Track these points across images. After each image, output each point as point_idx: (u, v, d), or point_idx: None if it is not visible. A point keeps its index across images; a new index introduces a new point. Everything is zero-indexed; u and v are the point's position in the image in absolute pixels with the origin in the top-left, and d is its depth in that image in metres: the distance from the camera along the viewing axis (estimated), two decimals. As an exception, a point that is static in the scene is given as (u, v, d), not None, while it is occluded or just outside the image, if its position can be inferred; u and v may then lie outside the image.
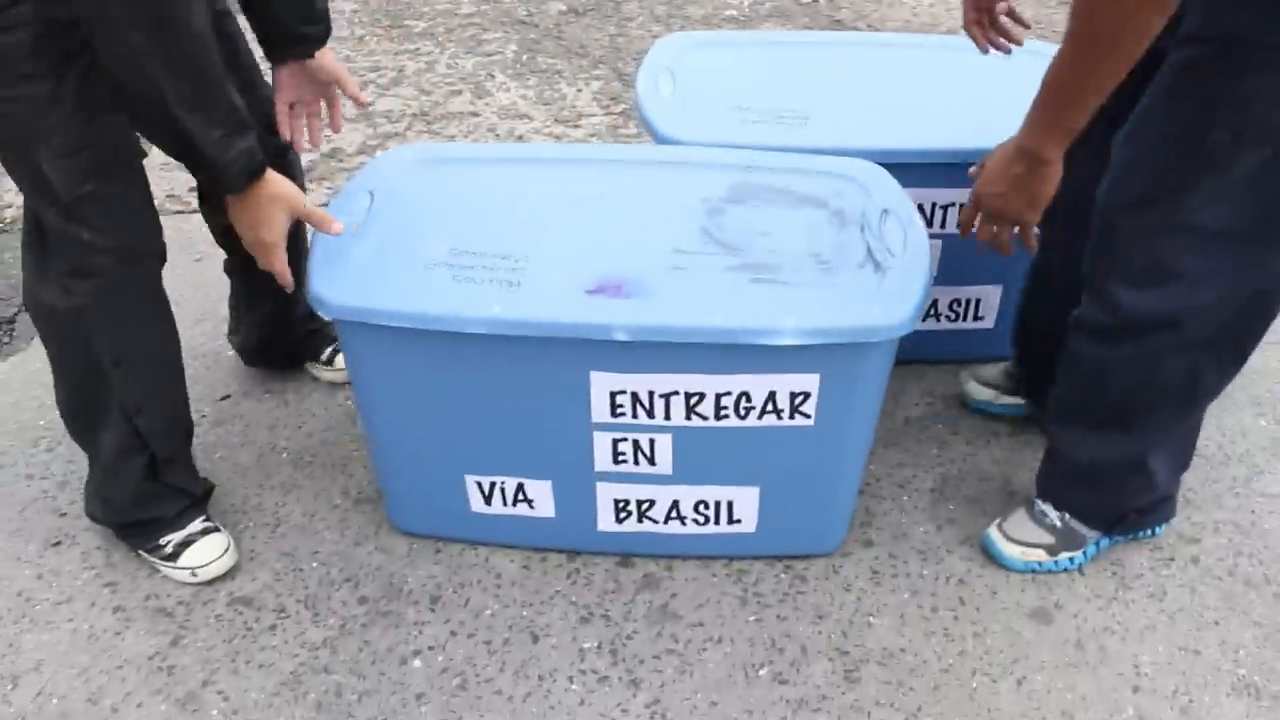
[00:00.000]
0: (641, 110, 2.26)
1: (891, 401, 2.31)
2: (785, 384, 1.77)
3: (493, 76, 3.66)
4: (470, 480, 1.97)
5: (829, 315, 1.69)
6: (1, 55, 1.56)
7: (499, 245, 1.84)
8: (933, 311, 2.37)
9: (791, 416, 1.80)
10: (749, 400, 1.79)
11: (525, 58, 3.78)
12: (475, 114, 3.44)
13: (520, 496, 1.98)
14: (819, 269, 1.76)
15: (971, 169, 1.74)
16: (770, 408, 1.79)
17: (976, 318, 2.39)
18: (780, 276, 1.75)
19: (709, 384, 1.77)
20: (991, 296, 2.35)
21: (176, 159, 1.70)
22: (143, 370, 1.89)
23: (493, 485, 1.97)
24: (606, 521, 2.00)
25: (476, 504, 2.00)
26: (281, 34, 1.93)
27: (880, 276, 1.74)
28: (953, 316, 2.39)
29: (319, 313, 1.79)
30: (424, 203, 1.94)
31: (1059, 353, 1.88)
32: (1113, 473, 1.88)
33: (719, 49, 2.51)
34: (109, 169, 1.70)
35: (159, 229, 1.78)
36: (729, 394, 1.78)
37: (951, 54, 2.36)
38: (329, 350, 2.46)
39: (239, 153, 1.62)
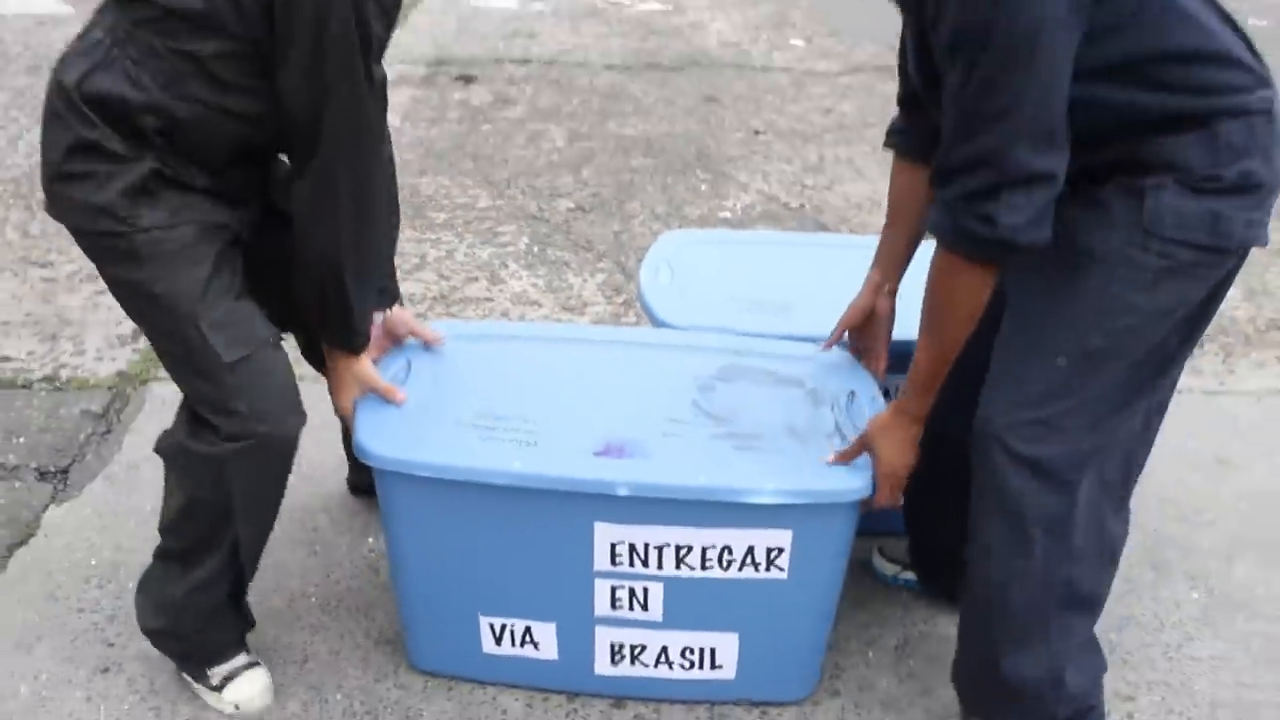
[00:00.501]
0: (642, 296, 2.49)
1: (861, 567, 2.50)
2: (762, 539, 1.94)
3: (506, 265, 3.91)
4: (484, 621, 2.12)
5: (801, 478, 1.90)
6: (166, 251, 1.82)
7: (519, 410, 2.07)
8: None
9: (768, 569, 1.97)
10: (730, 553, 1.96)
11: (536, 249, 4.03)
12: (490, 299, 3.68)
13: (527, 638, 2.12)
14: (794, 439, 2.00)
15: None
16: (749, 560, 1.96)
17: None
18: (760, 444, 1.98)
19: (696, 537, 1.94)
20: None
21: (317, 322, 1.98)
22: (262, 512, 2.07)
23: (504, 627, 2.12)
24: (603, 664, 2.14)
25: (488, 645, 2.14)
26: None
27: (843, 444, 1.96)
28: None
29: (368, 463, 1.97)
30: (454, 371, 2.18)
31: (945, 530, 2.11)
32: (1035, 691, 1.94)
33: (714, 246, 2.78)
34: (260, 344, 1.92)
35: (300, 399, 1.98)
36: (713, 547, 1.95)
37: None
38: None
39: (369, 325, 1.92)
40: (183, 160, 1.84)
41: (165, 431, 2.07)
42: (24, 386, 3.18)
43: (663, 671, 2.14)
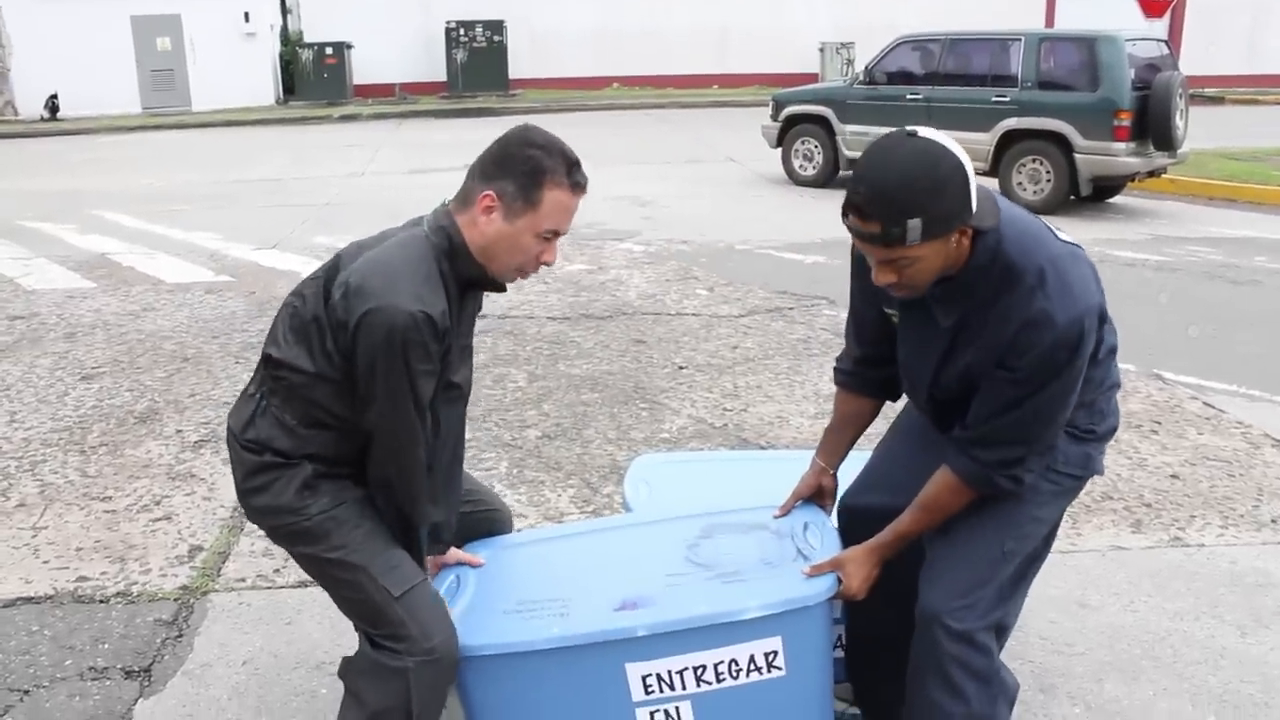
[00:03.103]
0: (628, 509, 2.79)
1: None
2: (759, 647, 2.14)
3: (492, 486, 4.07)
4: None
5: (777, 593, 2.16)
6: (332, 527, 2.16)
7: (550, 593, 2.31)
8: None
9: (769, 670, 2.15)
10: (737, 664, 2.15)
11: (515, 471, 4.24)
12: None
13: None
14: (768, 568, 2.26)
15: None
16: (753, 666, 2.15)
17: None
18: (742, 577, 2.24)
19: (707, 657, 2.14)
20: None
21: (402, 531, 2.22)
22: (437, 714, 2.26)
23: None
24: None
25: None
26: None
27: (812, 557, 2.24)
28: None
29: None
30: (493, 576, 2.43)
31: (883, 655, 2.39)
32: None
33: (679, 464, 3.14)
34: (417, 579, 2.19)
35: (451, 620, 2.21)
36: (722, 661, 2.14)
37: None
38: None
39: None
40: (329, 461, 2.17)
41: (347, 659, 2.27)
42: (102, 601, 3.31)
43: None
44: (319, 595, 3.27)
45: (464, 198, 2.13)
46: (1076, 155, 9.69)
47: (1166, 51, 10.52)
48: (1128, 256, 8.14)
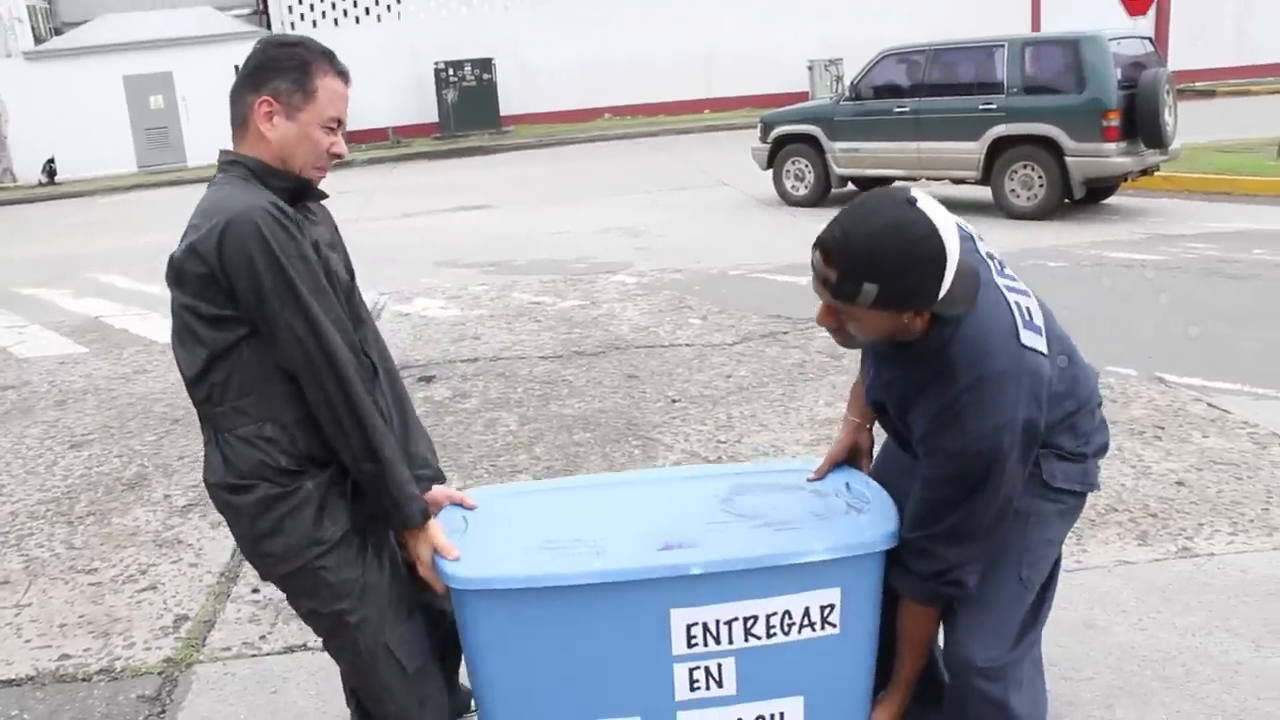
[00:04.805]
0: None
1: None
2: (816, 599, 2.01)
3: None
4: None
5: (843, 537, 2.02)
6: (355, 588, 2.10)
7: (577, 535, 2.10)
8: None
9: (822, 627, 2.03)
10: (790, 617, 2.01)
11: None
12: None
13: None
14: (819, 520, 2.11)
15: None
16: (806, 621, 2.02)
17: None
18: (794, 526, 2.08)
19: (760, 607, 1.99)
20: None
21: (384, 511, 2.08)
22: None
23: None
24: None
25: None
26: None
27: (863, 515, 2.10)
28: None
29: (452, 586, 2.01)
30: (509, 518, 2.22)
31: None
32: None
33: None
34: (428, 652, 2.18)
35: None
36: (775, 614, 2.00)
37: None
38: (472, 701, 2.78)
39: (415, 505, 2.06)
40: (307, 438, 2.03)
41: None
42: (84, 680, 3.22)
43: None
44: (305, 661, 3.22)
45: (240, 123, 2.09)
46: (1067, 158, 9.62)
47: (1151, 49, 10.46)
48: (1124, 257, 8.05)
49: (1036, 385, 1.93)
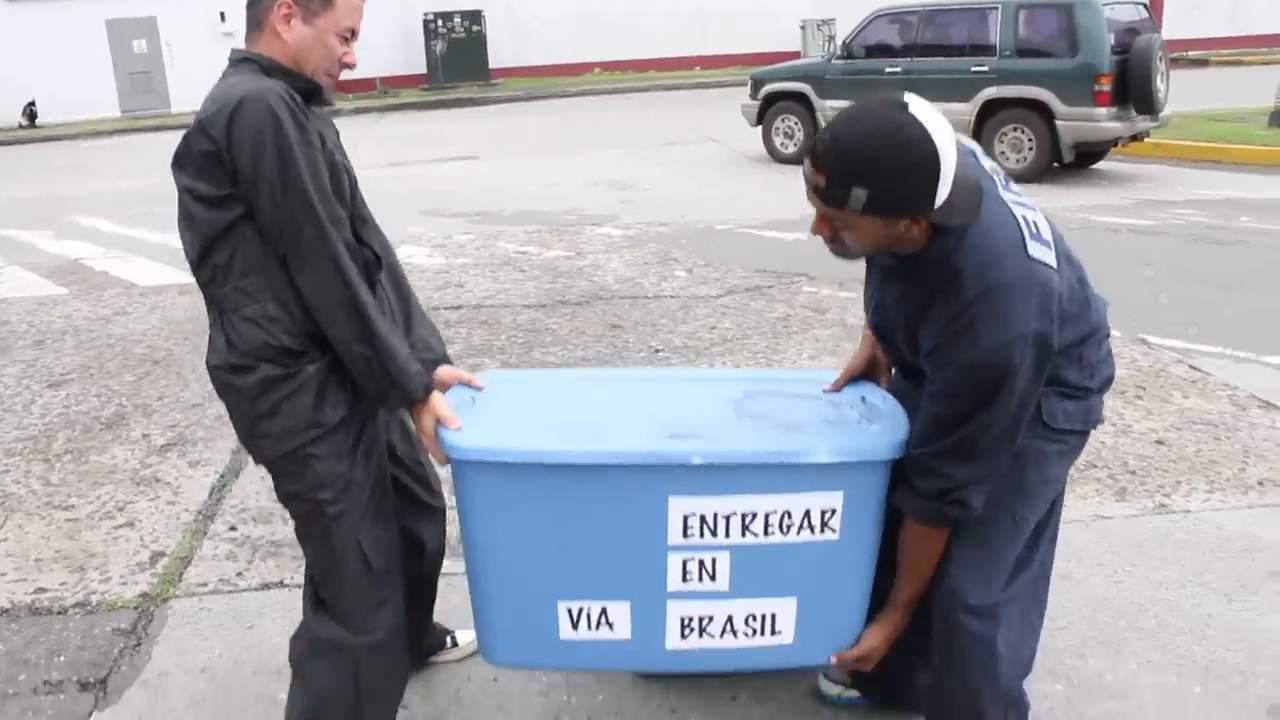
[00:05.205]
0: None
1: (809, 694, 2.64)
2: (817, 501, 1.98)
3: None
4: (561, 607, 2.07)
5: (849, 441, 2.00)
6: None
7: (583, 419, 2.11)
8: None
9: (822, 530, 2.00)
10: (790, 518, 1.98)
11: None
12: (451, 506, 3.78)
13: (603, 620, 2.07)
14: (831, 425, 2.09)
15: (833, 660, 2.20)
16: (806, 523, 1.99)
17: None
18: (805, 428, 2.06)
19: (760, 504, 1.96)
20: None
21: (380, 396, 2.09)
22: (388, 708, 2.32)
23: (580, 610, 2.07)
24: (673, 639, 2.10)
25: (565, 630, 2.08)
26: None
27: (874, 424, 2.08)
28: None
29: (450, 455, 1.99)
30: (517, 400, 2.22)
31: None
32: None
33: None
34: (395, 559, 2.23)
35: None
36: (775, 512, 1.97)
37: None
38: (447, 639, 2.82)
39: (414, 381, 2.05)
40: (310, 319, 2.03)
41: (294, 638, 2.28)
42: (60, 612, 3.21)
43: (728, 641, 2.10)
44: (281, 598, 3.21)
45: (256, 23, 2.11)
46: (1058, 122, 9.59)
47: (1145, 15, 10.40)
48: (1112, 222, 8.04)
49: (1047, 298, 1.87)
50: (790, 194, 9.74)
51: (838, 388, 2.32)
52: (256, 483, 4.03)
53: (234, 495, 3.95)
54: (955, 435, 1.91)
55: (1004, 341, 1.83)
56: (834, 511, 2.00)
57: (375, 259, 2.18)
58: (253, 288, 2.02)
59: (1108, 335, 2.15)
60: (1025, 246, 1.89)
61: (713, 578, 2.04)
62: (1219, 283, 6.31)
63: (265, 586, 3.30)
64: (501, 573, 2.08)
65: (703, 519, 1.98)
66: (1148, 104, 9.53)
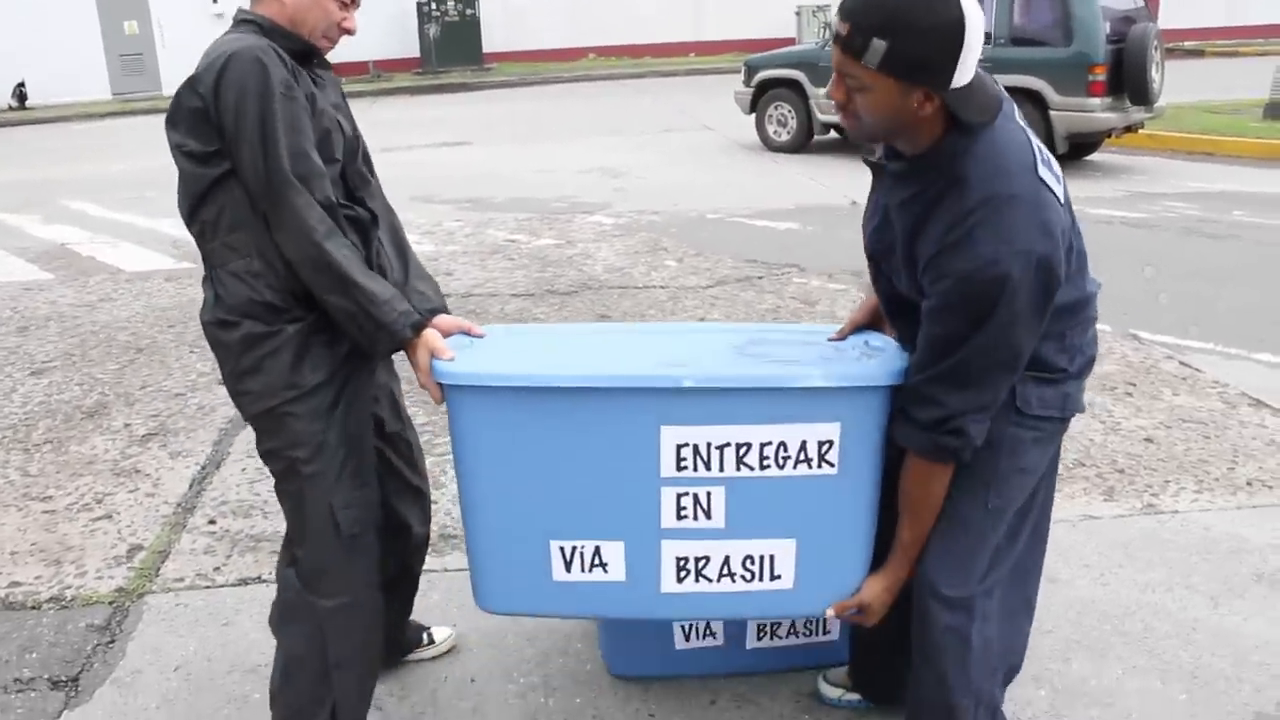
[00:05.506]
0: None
1: (809, 696, 2.60)
2: (814, 433, 1.93)
3: (446, 472, 3.93)
4: (554, 546, 2.03)
5: (845, 368, 1.98)
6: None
7: (581, 360, 2.11)
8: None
9: (819, 464, 1.95)
10: (785, 449, 1.94)
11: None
12: (434, 501, 3.72)
13: (597, 560, 2.04)
14: (829, 360, 2.05)
15: (833, 611, 2.13)
16: (802, 455, 1.95)
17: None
18: (802, 362, 2.02)
19: (754, 434, 1.92)
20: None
21: (369, 345, 2.09)
22: (358, 676, 2.32)
23: (574, 550, 2.04)
24: (669, 581, 2.05)
25: (558, 571, 2.05)
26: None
27: (874, 359, 2.03)
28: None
29: (444, 382, 1.98)
30: (516, 346, 2.21)
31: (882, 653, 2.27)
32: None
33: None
34: (368, 525, 2.25)
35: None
36: (770, 443, 1.93)
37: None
38: (424, 635, 2.81)
39: (401, 322, 2.03)
40: (296, 279, 2.06)
41: (274, 604, 2.34)
42: (34, 607, 3.17)
43: (725, 585, 2.06)
44: (258, 593, 3.17)
45: None
46: (1051, 112, 9.52)
47: (1141, 4, 10.33)
48: (1104, 214, 7.99)
49: (1051, 222, 1.80)
50: (782, 183, 9.71)
51: (842, 336, 2.28)
52: (238, 475, 3.98)
53: (214, 488, 3.90)
54: (951, 359, 1.85)
55: (1003, 255, 1.76)
56: (831, 444, 1.95)
57: (372, 218, 2.20)
58: (239, 243, 2.07)
59: (1094, 319, 2.08)
60: (1035, 168, 1.84)
61: (708, 515, 2.00)
62: (1211, 277, 6.27)
63: (243, 582, 3.26)
64: (493, 508, 2.04)
65: (696, 449, 1.94)
66: (1142, 95, 9.47)
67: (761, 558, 2.04)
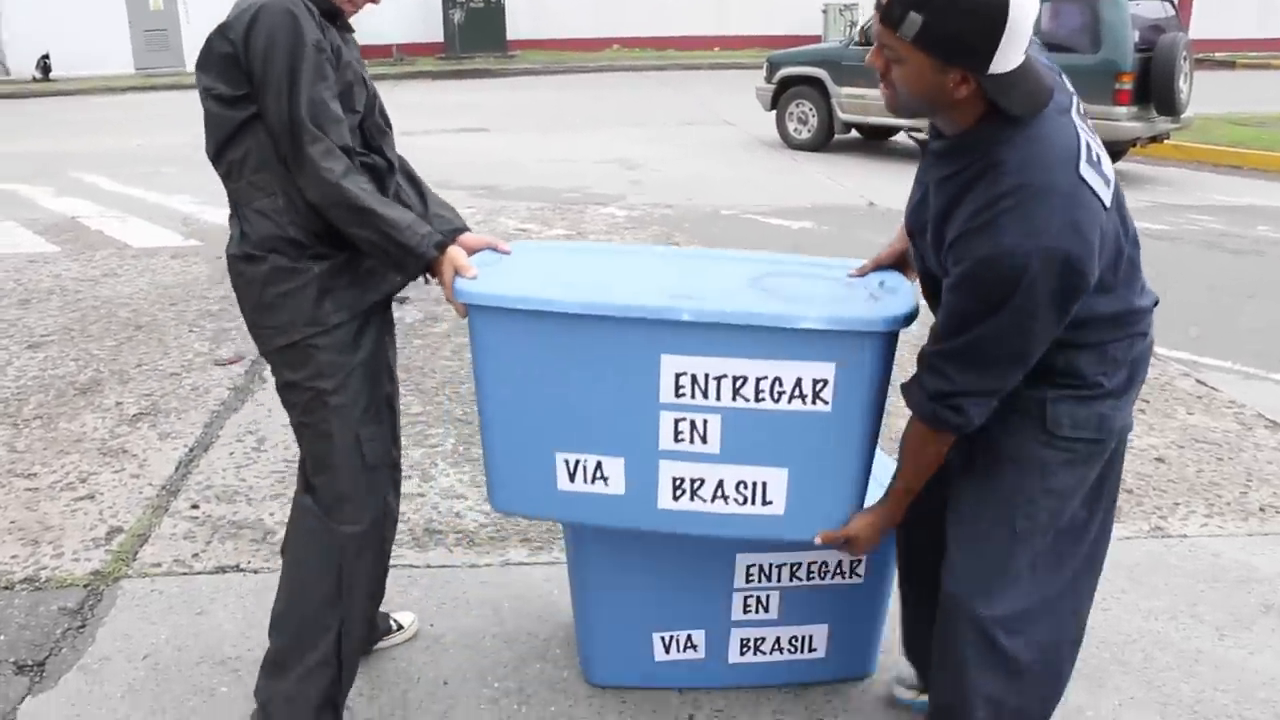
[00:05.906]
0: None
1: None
2: (809, 371, 1.98)
3: (435, 464, 3.89)
4: (560, 457, 2.13)
5: (843, 310, 1.99)
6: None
7: (595, 279, 2.19)
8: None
9: (813, 401, 2.00)
10: (780, 385, 1.99)
11: (462, 449, 4.02)
12: (421, 494, 3.65)
13: (598, 473, 2.13)
14: (836, 301, 2.06)
15: (820, 539, 2.13)
16: (797, 392, 2.00)
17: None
18: (807, 301, 2.04)
19: (751, 368, 1.98)
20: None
21: (397, 268, 2.19)
22: (364, 600, 2.38)
23: (577, 462, 2.12)
24: (665, 499, 2.13)
25: (562, 481, 2.15)
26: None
27: (882, 300, 2.05)
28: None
29: (463, 302, 2.07)
30: (540, 263, 2.31)
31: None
32: None
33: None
34: (385, 459, 2.33)
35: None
36: (765, 378, 1.99)
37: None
38: (391, 623, 2.81)
39: (424, 245, 2.11)
40: (319, 225, 2.14)
41: (289, 526, 2.41)
42: (6, 588, 3.10)
43: (719, 507, 2.13)
44: (235, 582, 3.10)
45: None
46: (1077, 119, 9.34)
47: (1172, 12, 10.14)
48: (1126, 224, 7.83)
49: (1085, 222, 1.72)
50: (800, 181, 9.59)
51: (862, 273, 2.26)
52: (225, 459, 3.90)
53: (200, 471, 3.83)
54: (964, 337, 1.81)
55: (1024, 247, 1.69)
56: (826, 382, 2.00)
57: (389, 166, 2.27)
58: (264, 183, 2.14)
59: (1144, 335, 1.95)
60: (1078, 165, 1.75)
61: (704, 440, 2.07)
62: (1232, 293, 6.13)
63: (220, 570, 3.18)
64: (505, 418, 2.15)
65: (694, 379, 2.02)
66: (1169, 105, 9.30)
67: (754, 484, 2.11)
